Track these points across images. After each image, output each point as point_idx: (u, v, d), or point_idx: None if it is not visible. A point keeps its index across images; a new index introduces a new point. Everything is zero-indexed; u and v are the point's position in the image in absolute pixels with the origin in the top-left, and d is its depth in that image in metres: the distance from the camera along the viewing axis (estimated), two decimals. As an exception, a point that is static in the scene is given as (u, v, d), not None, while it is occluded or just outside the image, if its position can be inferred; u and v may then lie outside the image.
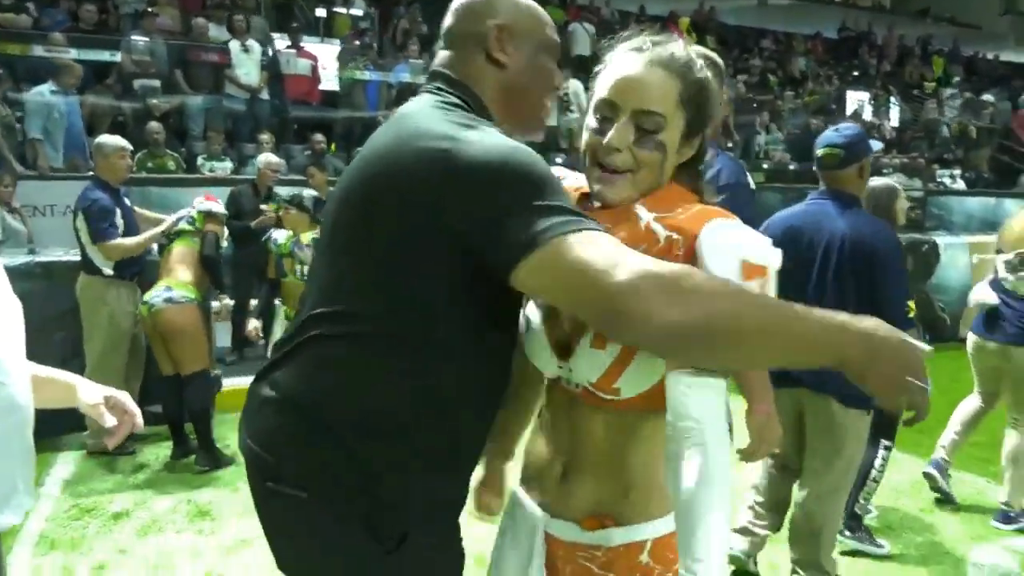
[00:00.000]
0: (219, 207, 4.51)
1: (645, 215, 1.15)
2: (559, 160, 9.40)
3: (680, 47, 1.20)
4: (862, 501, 3.28)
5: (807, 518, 2.68)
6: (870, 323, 0.95)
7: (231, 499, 3.68)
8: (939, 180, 12.44)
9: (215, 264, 4.32)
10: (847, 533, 3.24)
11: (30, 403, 1.22)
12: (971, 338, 3.65)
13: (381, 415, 1.10)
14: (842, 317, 0.96)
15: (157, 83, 7.80)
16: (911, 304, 2.47)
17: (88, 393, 1.46)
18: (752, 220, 2.10)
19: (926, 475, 3.78)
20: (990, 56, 21.57)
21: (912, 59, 18.19)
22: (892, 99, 14.69)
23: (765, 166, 11.05)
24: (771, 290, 1.10)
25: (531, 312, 1.25)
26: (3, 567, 1.30)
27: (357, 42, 9.54)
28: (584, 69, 12.35)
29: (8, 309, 1.24)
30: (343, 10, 11.19)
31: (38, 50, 7.58)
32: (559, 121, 10.25)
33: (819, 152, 2.67)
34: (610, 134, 1.16)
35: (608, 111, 1.19)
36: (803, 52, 16.18)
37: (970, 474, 4.07)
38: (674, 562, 1.14)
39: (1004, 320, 3.50)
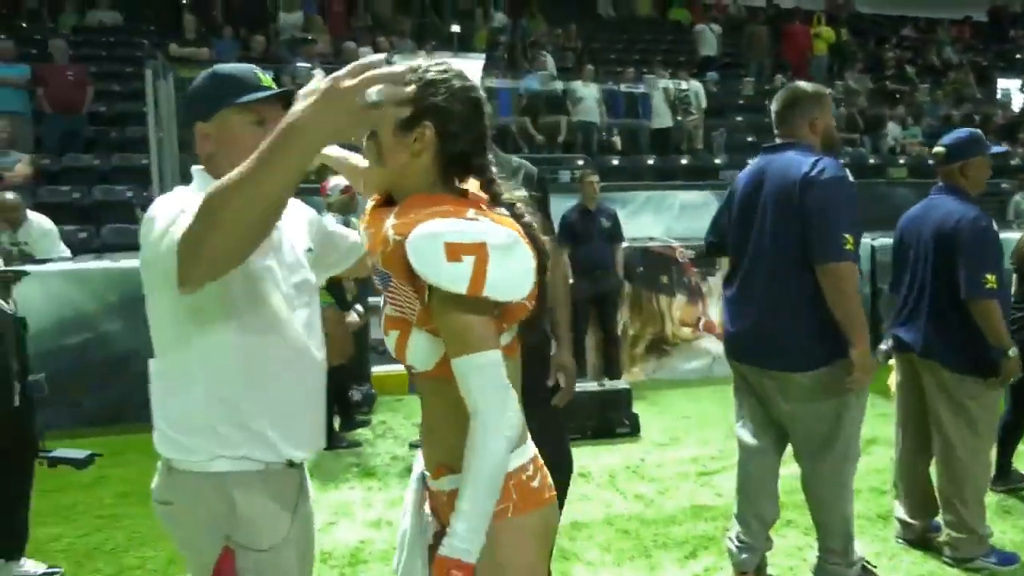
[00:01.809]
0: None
1: (388, 222, 1.28)
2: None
3: (417, 62, 1.33)
4: None
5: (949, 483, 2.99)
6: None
7: (392, 464, 4.29)
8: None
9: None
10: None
11: (313, 351, 1.54)
12: None
13: None
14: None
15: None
16: (989, 277, 2.78)
17: None
18: (853, 211, 2.42)
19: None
20: None
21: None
22: (1048, 85, 13.71)
23: (902, 161, 10.71)
24: (493, 263, 1.21)
25: None
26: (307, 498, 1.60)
27: (496, 53, 10.13)
28: (710, 69, 12.43)
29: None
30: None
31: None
32: (675, 122, 10.38)
33: (935, 149, 3.14)
34: None
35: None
36: (948, 39, 15.37)
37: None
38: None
39: None
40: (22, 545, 2.85)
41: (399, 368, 1.59)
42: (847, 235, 2.37)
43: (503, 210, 1.34)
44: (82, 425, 4.79)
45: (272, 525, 1.47)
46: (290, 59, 9.75)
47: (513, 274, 1.25)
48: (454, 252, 1.20)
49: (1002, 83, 13.94)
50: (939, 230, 2.93)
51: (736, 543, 2.81)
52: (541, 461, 1.42)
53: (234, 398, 1.44)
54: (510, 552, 1.32)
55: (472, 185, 1.38)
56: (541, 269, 1.31)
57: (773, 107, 2.70)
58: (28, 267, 2.65)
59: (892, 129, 11.38)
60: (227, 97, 1.48)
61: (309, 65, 8.72)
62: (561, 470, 2.30)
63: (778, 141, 2.68)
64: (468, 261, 1.20)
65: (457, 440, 1.30)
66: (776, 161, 2.59)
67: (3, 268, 2.59)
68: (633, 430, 4.80)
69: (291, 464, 1.52)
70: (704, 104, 10.60)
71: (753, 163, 2.73)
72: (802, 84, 2.75)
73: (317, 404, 1.57)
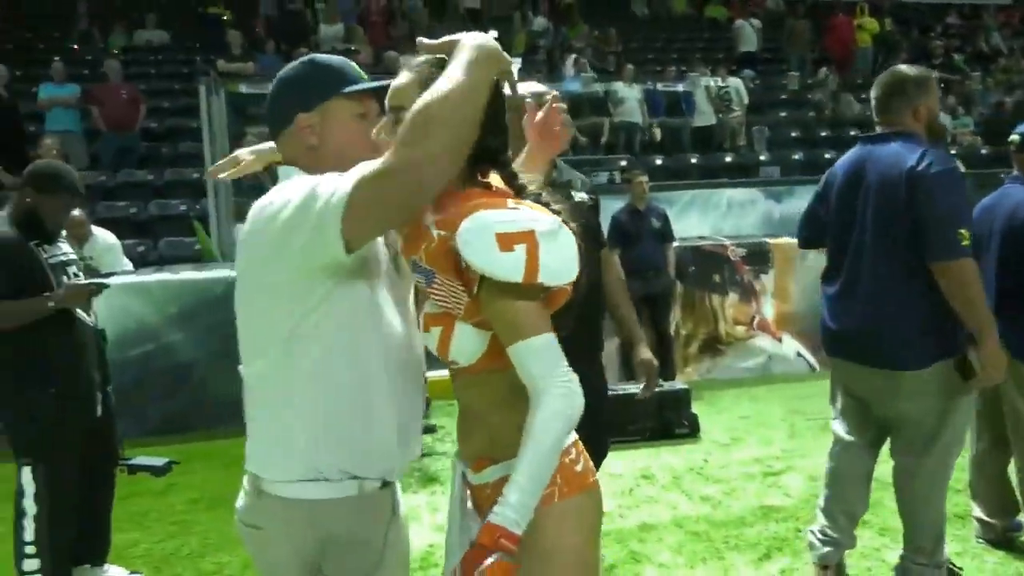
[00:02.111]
0: None
1: (428, 219, 1.31)
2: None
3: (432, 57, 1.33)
4: None
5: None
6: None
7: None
8: None
9: None
10: None
11: (416, 364, 1.46)
12: None
13: None
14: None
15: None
16: None
17: None
18: (964, 203, 2.35)
19: None
20: None
21: None
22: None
23: (953, 151, 10.46)
24: (543, 249, 1.22)
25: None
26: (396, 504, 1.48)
27: (536, 57, 10.16)
28: (750, 65, 12.29)
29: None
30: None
31: (263, 88, 8.84)
32: (719, 119, 10.30)
33: (1011, 137, 3.03)
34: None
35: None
36: (995, 25, 14.98)
37: None
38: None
39: None
40: (106, 551, 2.92)
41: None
42: (962, 230, 2.29)
43: (531, 201, 1.35)
44: (146, 435, 4.89)
45: (364, 555, 1.40)
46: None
47: (563, 258, 1.26)
48: (506, 241, 1.21)
49: (1056, 68, 13.54)
50: (1011, 220, 2.86)
51: (820, 537, 2.74)
52: (582, 445, 1.42)
53: (340, 416, 1.33)
54: (558, 536, 1.32)
55: (495, 179, 1.38)
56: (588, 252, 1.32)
57: (873, 93, 2.60)
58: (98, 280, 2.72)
59: (943, 119, 11.10)
60: (335, 86, 1.42)
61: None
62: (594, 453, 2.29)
63: (879, 130, 2.57)
64: (520, 249, 1.21)
65: (500, 429, 1.32)
66: (878, 152, 2.49)
67: (88, 281, 2.66)
68: (692, 431, 4.75)
69: (385, 484, 1.42)
70: (746, 100, 10.49)
71: (851, 154, 2.63)
72: (904, 68, 2.62)
73: (418, 417, 1.50)
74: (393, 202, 1.21)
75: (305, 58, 1.49)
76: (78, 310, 2.65)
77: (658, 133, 10.05)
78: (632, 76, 10.03)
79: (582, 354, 1.50)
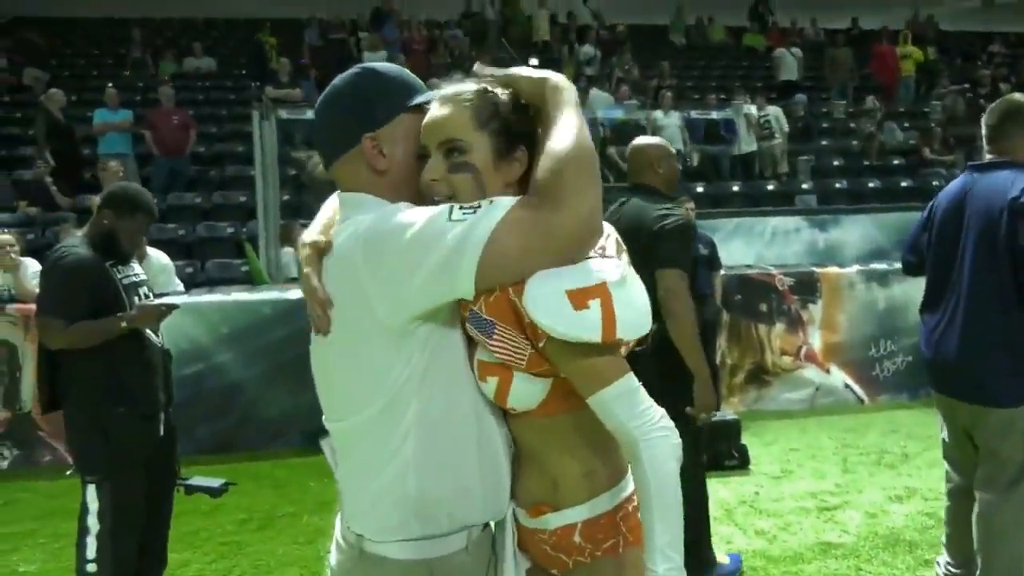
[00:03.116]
0: None
1: None
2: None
3: (469, 84, 1.26)
4: None
5: None
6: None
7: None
8: None
9: None
10: None
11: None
12: None
13: None
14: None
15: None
16: None
17: None
18: None
19: None
20: None
21: None
22: None
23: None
24: (618, 301, 1.15)
25: None
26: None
27: (579, 86, 10.25)
28: (790, 94, 12.23)
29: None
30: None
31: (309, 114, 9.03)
32: (759, 147, 10.25)
33: None
34: (424, 170, 1.25)
35: (424, 154, 1.26)
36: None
37: None
38: (603, 541, 1.29)
39: None
40: (163, 571, 2.93)
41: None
42: None
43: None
44: (197, 453, 4.94)
45: None
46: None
47: (637, 308, 1.19)
48: (579, 299, 1.13)
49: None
50: None
51: (944, 571, 2.75)
52: None
53: (450, 465, 1.24)
54: None
55: None
56: None
57: (985, 120, 2.55)
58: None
59: (989, 148, 10.94)
60: (402, 98, 1.28)
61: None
62: None
63: (988, 158, 2.52)
64: (595, 305, 1.14)
65: (564, 476, 1.27)
66: (984, 181, 2.46)
67: (160, 302, 2.71)
68: (743, 462, 4.67)
69: (486, 525, 1.34)
70: (786, 128, 10.44)
71: (957, 181, 2.60)
72: (1019, 96, 2.57)
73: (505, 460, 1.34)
74: (541, 257, 1.12)
75: (360, 68, 1.31)
76: (148, 330, 2.69)
77: (696, 160, 10.04)
78: (670, 104, 10.05)
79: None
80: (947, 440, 2.73)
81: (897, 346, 6.13)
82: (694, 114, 10.45)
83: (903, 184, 10.48)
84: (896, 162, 11.18)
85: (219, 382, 5.20)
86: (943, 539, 2.82)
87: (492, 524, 1.37)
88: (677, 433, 1.21)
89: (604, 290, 1.15)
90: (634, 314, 1.17)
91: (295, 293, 5.49)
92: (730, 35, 16.01)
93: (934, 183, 10.55)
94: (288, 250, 6.21)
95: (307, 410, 5.22)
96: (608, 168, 9.41)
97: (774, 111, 10.47)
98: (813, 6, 17.13)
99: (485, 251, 1.11)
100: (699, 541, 3.01)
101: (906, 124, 11.94)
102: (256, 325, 5.29)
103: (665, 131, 9.73)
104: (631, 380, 1.19)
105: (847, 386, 6.23)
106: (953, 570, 2.75)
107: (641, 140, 3.07)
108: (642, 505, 1.19)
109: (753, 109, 10.19)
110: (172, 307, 2.69)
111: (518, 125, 1.25)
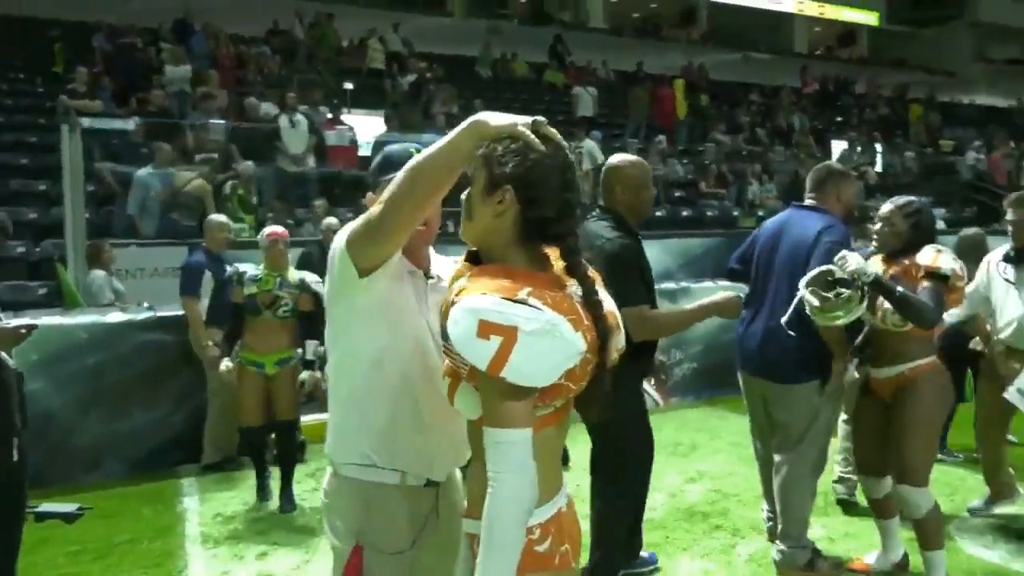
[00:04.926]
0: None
1: (458, 283, 1.40)
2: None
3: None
4: None
5: None
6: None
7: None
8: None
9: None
10: None
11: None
12: None
13: None
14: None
15: (215, 156, 8.71)
16: None
17: None
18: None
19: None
20: (965, 101, 22.68)
21: (892, 107, 19.32)
22: (876, 145, 15.71)
23: (760, 213, 11.93)
24: (520, 347, 1.24)
25: None
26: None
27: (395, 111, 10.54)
28: (588, 130, 13.35)
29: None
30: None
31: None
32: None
33: None
34: None
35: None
36: (788, 104, 17.26)
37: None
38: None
39: None
40: (6, 604, 2.82)
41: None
42: None
43: (573, 286, 1.38)
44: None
45: (398, 534, 1.67)
46: (185, 113, 9.73)
47: (539, 362, 1.26)
48: (485, 330, 1.25)
49: (835, 144, 15.84)
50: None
51: (766, 515, 3.63)
52: (566, 527, 1.42)
53: (386, 420, 1.64)
54: None
55: (554, 253, 1.44)
56: (602, 347, 1.36)
57: (810, 176, 3.38)
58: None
59: (752, 188, 12.67)
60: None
61: (210, 120, 8.79)
62: (639, 461, 3.08)
63: (808, 202, 3.31)
64: (495, 341, 1.24)
65: (480, 490, 1.33)
66: (799, 217, 3.28)
67: (18, 323, 2.64)
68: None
69: (428, 483, 1.69)
70: (600, 160, 11.41)
71: (782, 214, 3.41)
72: (836, 164, 3.48)
73: (452, 426, 1.63)
74: (378, 242, 1.57)
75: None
76: (2, 352, 2.63)
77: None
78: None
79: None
80: (752, 418, 3.48)
81: (684, 354, 6.90)
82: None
83: (684, 213, 11.86)
84: (678, 194, 12.59)
85: (29, 412, 4.84)
86: (762, 493, 3.62)
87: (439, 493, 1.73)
88: (529, 501, 1.30)
89: (512, 333, 1.24)
90: (532, 364, 1.26)
91: (115, 316, 5.26)
92: (532, 71, 17.06)
93: (708, 213, 12.07)
94: (99, 273, 5.84)
95: (127, 437, 5.09)
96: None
97: (589, 144, 11.37)
98: (604, 48, 18.77)
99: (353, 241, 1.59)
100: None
101: (685, 161, 13.48)
102: (70, 350, 5.02)
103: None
104: (520, 435, 1.28)
105: (645, 390, 6.99)
106: (771, 514, 3.55)
107: (616, 159, 3.20)
108: (481, 540, 1.30)
109: (568, 143, 11.03)
110: (32, 327, 2.65)
111: (503, 168, 1.39)
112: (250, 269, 4.40)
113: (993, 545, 3.65)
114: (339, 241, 1.61)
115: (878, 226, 3.10)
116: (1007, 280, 3.73)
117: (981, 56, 26.31)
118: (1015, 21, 25.77)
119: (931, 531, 3.01)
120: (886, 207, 3.09)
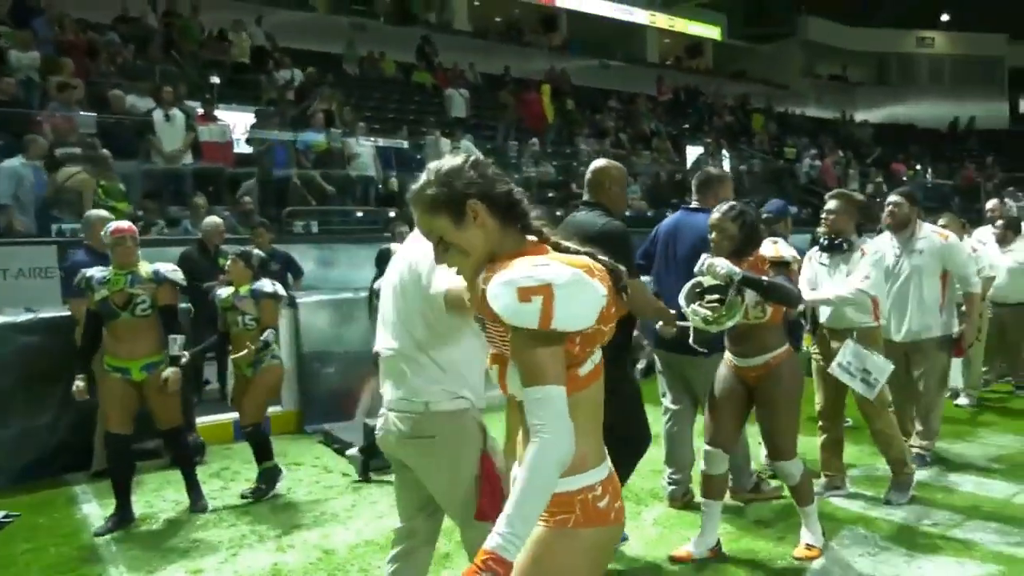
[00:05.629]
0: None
1: (482, 275, 1.56)
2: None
3: (423, 178, 1.66)
4: None
5: None
6: None
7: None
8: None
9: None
10: None
11: None
12: None
13: None
14: None
15: (79, 151, 8.18)
16: None
17: None
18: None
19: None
20: (797, 112, 24.88)
21: (735, 115, 20.92)
22: (724, 151, 16.99)
23: (628, 213, 12.62)
24: (559, 300, 1.42)
25: None
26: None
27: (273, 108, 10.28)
28: (461, 131, 13.60)
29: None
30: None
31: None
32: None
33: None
34: None
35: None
36: (647, 111, 18.30)
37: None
38: (556, 513, 1.51)
39: None
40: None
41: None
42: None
43: (578, 252, 1.58)
44: None
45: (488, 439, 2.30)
46: (33, 102, 9.06)
47: (578, 308, 1.44)
48: (524, 294, 1.42)
49: (690, 149, 16.98)
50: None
51: (668, 480, 4.08)
52: (618, 486, 1.59)
53: (459, 367, 2.25)
54: (562, 560, 1.49)
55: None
56: (619, 289, 1.56)
57: (694, 180, 3.90)
58: None
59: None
60: None
61: (71, 111, 8.23)
62: (633, 443, 3.35)
63: (694, 205, 3.92)
64: (537, 301, 1.42)
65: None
66: (689, 218, 3.87)
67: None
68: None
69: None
70: (480, 158, 11.66)
71: (675, 215, 3.99)
72: (715, 171, 4.06)
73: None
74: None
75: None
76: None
77: (395, 184, 10.74)
78: (363, 132, 10.63)
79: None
80: (666, 383, 4.06)
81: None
82: (382, 142, 11.16)
83: (557, 213, 12.29)
84: (551, 194, 13.09)
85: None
86: (664, 458, 4.10)
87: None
88: (569, 452, 1.45)
89: (548, 290, 1.43)
90: (573, 311, 1.44)
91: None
92: (400, 70, 17.04)
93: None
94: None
95: (9, 445, 4.77)
96: (310, 191, 9.65)
97: (467, 144, 11.58)
98: (469, 50, 19.01)
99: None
100: None
101: (554, 163, 14.01)
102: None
103: (359, 159, 10.30)
104: (558, 391, 1.44)
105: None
106: (674, 476, 4.05)
107: (602, 162, 3.55)
108: (516, 483, 1.44)
109: (446, 141, 11.20)
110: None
111: (455, 192, 1.58)
112: (97, 272, 4.11)
113: (855, 497, 4.20)
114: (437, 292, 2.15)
115: (712, 235, 3.26)
116: (822, 264, 4.07)
117: (810, 72, 28.97)
118: (838, 42, 28.62)
119: (804, 491, 3.42)
120: (714, 216, 3.26)
